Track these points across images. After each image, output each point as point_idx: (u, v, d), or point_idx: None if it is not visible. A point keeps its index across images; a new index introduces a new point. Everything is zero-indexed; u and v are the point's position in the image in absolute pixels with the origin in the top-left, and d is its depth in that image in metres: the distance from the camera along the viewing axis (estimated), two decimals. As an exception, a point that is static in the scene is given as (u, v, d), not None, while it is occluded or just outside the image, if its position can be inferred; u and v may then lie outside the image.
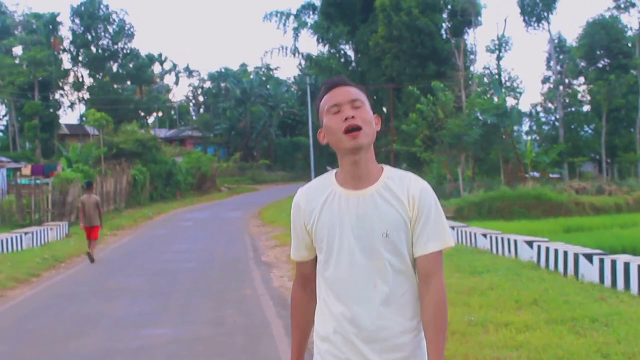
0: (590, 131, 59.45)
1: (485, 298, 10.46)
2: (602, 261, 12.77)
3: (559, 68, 58.66)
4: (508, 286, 11.50)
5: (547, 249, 15.02)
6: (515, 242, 17.04)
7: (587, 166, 59.92)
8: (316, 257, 3.10)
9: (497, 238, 18.19)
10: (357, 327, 2.90)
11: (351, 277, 2.93)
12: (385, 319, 2.91)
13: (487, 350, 7.30)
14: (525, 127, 61.35)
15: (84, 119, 70.73)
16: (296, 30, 64.71)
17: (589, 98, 58.44)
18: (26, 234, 21.78)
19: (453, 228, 21.70)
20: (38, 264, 17.41)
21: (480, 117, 36.84)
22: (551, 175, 46.89)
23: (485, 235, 19.13)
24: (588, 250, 14.07)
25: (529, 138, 60.31)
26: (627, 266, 11.98)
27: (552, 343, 7.48)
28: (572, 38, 61.43)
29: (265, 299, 11.89)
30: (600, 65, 57.69)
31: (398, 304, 2.93)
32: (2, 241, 19.75)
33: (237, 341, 8.78)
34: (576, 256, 13.66)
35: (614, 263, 12.39)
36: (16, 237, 20.80)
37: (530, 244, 16.29)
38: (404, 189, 2.97)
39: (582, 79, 60.43)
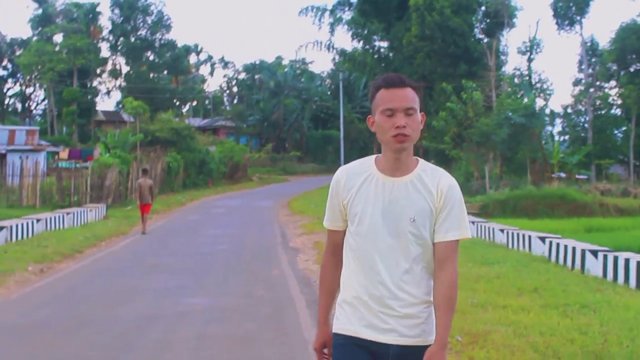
0: (619, 134, 59.79)
1: (490, 284, 11.47)
2: (605, 257, 13.73)
3: (590, 71, 59.00)
4: (513, 275, 12.49)
5: (558, 245, 15.97)
6: (530, 237, 18.00)
7: (616, 168, 60.20)
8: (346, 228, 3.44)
9: (512, 233, 19.15)
10: (378, 296, 3.24)
11: (377, 252, 3.26)
12: (403, 291, 3.24)
13: (481, 325, 8.33)
14: (558, 128, 61.87)
15: (121, 106, 72.29)
16: (332, 25, 65.28)
17: (619, 101, 58.78)
18: (67, 214, 23.09)
19: (473, 223, 22.70)
20: (80, 242, 18.62)
21: (509, 117, 37.47)
22: (578, 176, 47.38)
23: (502, 231, 20.08)
24: (595, 247, 15.00)
25: (561, 138, 60.84)
26: (627, 262, 12.92)
27: (540, 322, 8.49)
28: (604, 41, 61.51)
29: (291, 278, 13.06)
30: (631, 69, 57.92)
31: (414, 280, 3.27)
32: (47, 219, 20.99)
33: (264, 310, 9.97)
34: (583, 252, 14.62)
35: (615, 259, 13.32)
36: (59, 216, 22.06)
37: (542, 239, 17.24)
38: (435, 182, 3.30)
39: (613, 82, 60.70)
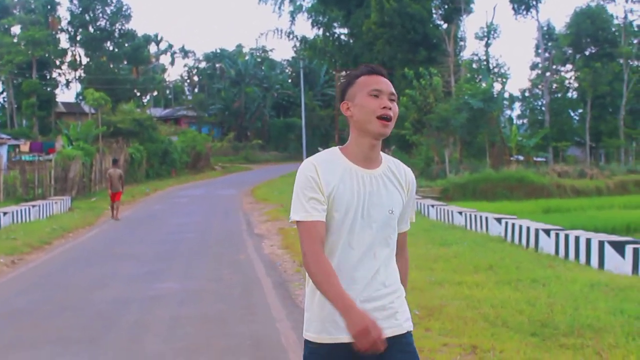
0: (576, 117, 60.93)
1: (447, 263, 12.08)
2: (557, 235, 14.41)
3: (546, 55, 60.02)
4: (470, 255, 13.12)
5: (513, 225, 16.65)
6: (486, 218, 18.68)
7: (574, 150, 61.36)
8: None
9: (470, 215, 19.82)
10: (356, 290, 3.17)
11: (356, 247, 3.21)
12: (379, 282, 3.23)
13: (437, 300, 8.90)
14: (517, 111, 62.88)
15: (81, 97, 71.98)
16: (292, 14, 65.53)
17: (575, 84, 59.90)
18: (33, 206, 23.37)
19: (433, 206, 23.39)
20: (48, 233, 18.95)
21: (468, 102, 38.09)
22: (537, 159, 48.30)
23: (460, 213, 20.74)
24: (548, 226, 15.69)
25: (520, 122, 61.82)
26: (577, 239, 13.60)
27: (492, 296, 9.08)
28: (559, 26, 62.52)
29: (257, 262, 13.59)
30: (587, 53, 59.03)
31: (388, 270, 3.29)
32: (13, 213, 21.26)
33: (233, 292, 10.50)
34: (537, 231, 15.31)
35: (567, 237, 14.00)
36: (24, 209, 22.33)
37: (499, 220, 17.92)
38: (402, 174, 3.37)
39: (569, 66, 61.80)
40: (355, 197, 3.21)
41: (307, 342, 3.29)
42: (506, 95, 53.58)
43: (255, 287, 10.86)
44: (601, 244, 12.75)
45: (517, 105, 63.60)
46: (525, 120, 63.02)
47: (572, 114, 61.03)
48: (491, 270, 11.42)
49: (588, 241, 13.19)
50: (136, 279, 11.92)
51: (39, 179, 30.90)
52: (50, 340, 7.85)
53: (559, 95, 59.72)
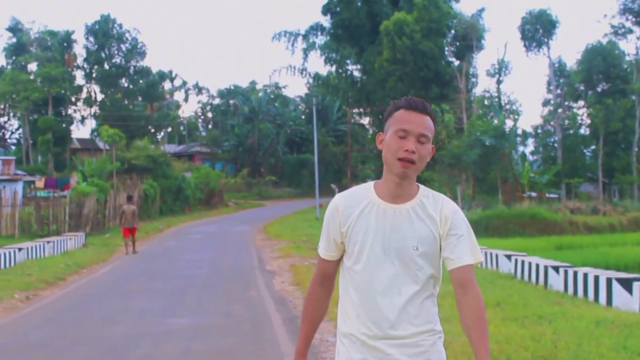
0: (588, 153, 61.02)
1: (456, 301, 12.17)
2: (566, 272, 14.53)
3: (558, 91, 60.30)
4: (478, 291, 13.20)
5: (523, 262, 16.80)
6: (497, 255, 18.82)
7: (588, 187, 61.38)
8: (341, 258, 3.34)
9: (481, 252, 19.90)
10: (378, 326, 3.13)
11: (378, 282, 3.15)
12: (404, 321, 3.12)
13: (445, 336, 9.00)
14: (530, 148, 63.03)
15: (96, 133, 72.70)
16: (305, 51, 66.06)
17: (587, 121, 60.08)
18: (48, 242, 23.61)
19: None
20: (62, 269, 19.17)
21: (480, 138, 38.30)
22: (549, 195, 48.38)
23: (471, 250, 20.82)
24: (557, 263, 15.82)
25: (534, 158, 61.95)
26: (585, 276, 13.70)
27: (498, 332, 9.19)
28: (571, 62, 62.87)
29: (267, 298, 13.74)
30: (599, 89, 59.26)
31: (416, 308, 3.16)
32: (28, 248, 21.53)
33: (243, 327, 10.65)
34: (546, 268, 15.43)
35: (575, 274, 14.12)
36: (39, 245, 22.60)
37: (509, 257, 18.05)
38: (437, 208, 3.21)
39: (581, 102, 62.03)
40: (373, 231, 3.18)
41: None
42: (519, 131, 53.98)
43: (265, 323, 11.01)
44: (609, 281, 12.86)
45: (530, 141, 63.87)
46: (538, 157, 63.19)
47: (584, 150, 61.11)
48: (499, 307, 11.52)
49: (596, 278, 13.30)
50: (148, 314, 12.10)
51: (53, 215, 31.21)
52: (62, 374, 8.01)
53: (571, 131, 59.86)
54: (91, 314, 12.39)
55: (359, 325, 3.18)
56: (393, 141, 3.16)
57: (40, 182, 56.88)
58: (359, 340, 3.17)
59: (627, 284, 12.47)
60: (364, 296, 3.18)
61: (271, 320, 11.15)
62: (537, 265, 15.85)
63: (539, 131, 63.54)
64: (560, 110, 58.20)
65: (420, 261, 3.16)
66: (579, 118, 61.16)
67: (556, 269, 15.04)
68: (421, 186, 3.28)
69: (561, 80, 62.01)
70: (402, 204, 3.20)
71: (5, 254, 19.38)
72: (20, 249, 20.84)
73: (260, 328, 10.61)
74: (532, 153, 64.49)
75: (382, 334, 3.13)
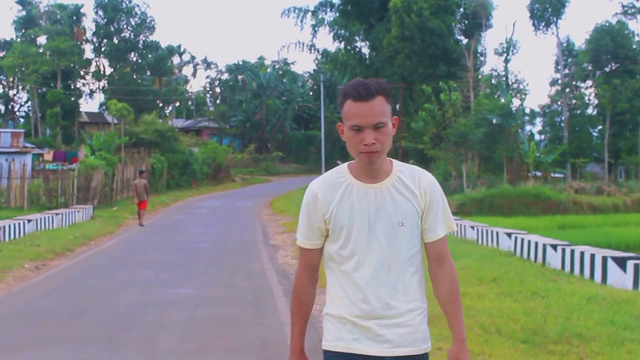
0: (595, 133, 61.02)
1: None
2: (563, 250, 14.80)
3: (566, 71, 60.24)
4: (476, 267, 13.54)
5: (522, 240, 17.05)
6: (497, 233, 19.08)
7: (594, 167, 61.45)
8: (323, 247, 3.31)
9: (482, 230, 20.23)
10: (369, 308, 3.13)
11: (367, 262, 3.14)
12: (395, 299, 3.14)
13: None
14: (539, 127, 63.05)
15: (104, 107, 73.00)
16: (314, 27, 66.05)
17: (595, 101, 60.04)
18: (56, 214, 23.99)
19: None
20: (70, 241, 19.56)
21: (486, 117, 38.42)
22: (555, 175, 48.49)
23: (472, 227, 21.16)
24: (555, 241, 16.09)
25: (542, 137, 62.01)
26: (582, 254, 13.99)
27: (491, 306, 9.51)
28: (579, 42, 62.70)
29: (270, 271, 14.12)
30: (607, 70, 59.16)
31: (406, 286, 3.17)
32: (37, 220, 21.89)
33: (245, 298, 11.03)
34: (544, 246, 15.71)
35: (572, 252, 14.40)
36: (47, 217, 22.96)
37: (509, 235, 18.31)
38: (415, 181, 3.22)
39: (589, 82, 61.95)
40: (358, 213, 3.16)
41: (324, 352, 3.28)
42: (527, 110, 54.06)
43: (267, 294, 11.38)
44: (604, 260, 13.13)
45: (538, 120, 63.88)
46: (546, 136, 63.22)
47: (591, 130, 61.11)
48: (495, 283, 11.83)
49: (592, 257, 13.57)
50: (154, 285, 12.47)
51: (62, 187, 31.55)
52: (71, 338, 8.40)
53: (579, 111, 59.84)
54: (99, 283, 12.77)
55: (349, 306, 3.18)
56: (350, 136, 3.15)
57: (48, 155, 57.24)
58: (349, 321, 3.17)
59: (621, 263, 12.74)
60: (354, 278, 3.16)
61: (273, 292, 11.52)
62: (536, 244, 16.11)
63: (546, 110, 63.49)
64: (567, 90, 58.15)
65: (407, 236, 3.18)
66: (586, 98, 61.10)
67: (554, 247, 15.30)
68: (394, 161, 3.28)
69: (569, 60, 61.92)
70: (380, 183, 3.20)
71: (15, 225, 19.75)
72: (29, 221, 21.21)
73: (261, 299, 10.99)
74: (540, 132, 64.56)
75: (373, 314, 3.14)
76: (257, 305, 10.48)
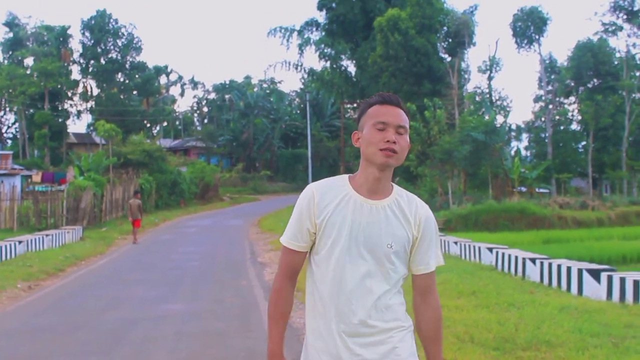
0: (580, 148, 61.66)
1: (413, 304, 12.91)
2: (542, 263, 15.29)
3: (549, 87, 60.97)
4: (456, 281, 14.00)
5: (503, 254, 17.54)
6: (479, 248, 19.56)
7: (579, 182, 62.03)
8: (307, 251, 3.27)
9: (465, 245, 20.71)
10: (347, 324, 3.09)
11: (349, 278, 3.11)
12: (374, 319, 3.10)
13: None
14: (524, 143, 63.68)
15: (92, 128, 73.30)
16: (300, 47, 66.60)
17: (578, 117, 60.73)
18: (46, 235, 24.31)
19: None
20: (61, 261, 19.92)
21: (470, 134, 38.92)
22: (540, 190, 49.02)
23: (456, 243, 21.64)
24: (534, 255, 16.57)
25: (528, 153, 62.61)
26: (559, 267, 14.47)
27: (467, 317, 9.97)
28: (562, 58, 63.45)
29: (257, 288, 14.59)
30: (589, 86, 59.92)
31: (385, 306, 3.13)
32: (28, 241, 22.25)
33: (233, 312, 11.51)
34: (524, 260, 16.20)
35: (550, 265, 14.89)
36: (38, 238, 23.31)
37: (490, 249, 18.81)
38: (412, 210, 3.20)
39: (572, 98, 62.69)
40: (349, 224, 3.13)
41: None
42: (513, 127, 54.71)
43: (253, 309, 11.84)
44: (580, 272, 13.63)
45: (524, 137, 64.52)
46: (532, 152, 63.82)
47: (575, 146, 61.75)
48: (473, 296, 12.29)
49: (568, 269, 14.06)
50: (145, 302, 12.90)
51: (51, 209, 31.86)
52: (66, 353, 8.83)
53: (562, 127, 60.50)
54: (91, 301, 13.17)
55: (327, 321, 3.13)
56: (373, 134, 3.16)
57: (37, 176, 57.40)
58: (332, 335, 3.12)
59: (596, 275, 13.24)
60: (334, 293, 3.13)
61: (259, 307, 11.96)
62: (516, 258, 16.60)
63: (531, 127, 64.16)
64: (551, 106, 58.83)
65: (393, 259, 3.14)
66: (569, 114, 61.79)
67: (533, 260, 15.80)
68: (395, 185, 3.27)
69: (552, 77, 62.66)
70: (378, 200, 3.18)
71: (6, 246, 20.09)
72: (20, 242, 21.56)
73: (248, 313, 11.45)
74: (526, 148, 65.17)
75: (351, 331, 3.10)
76: (244, 318, 10.95)
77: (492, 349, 8.02)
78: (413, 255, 3.21)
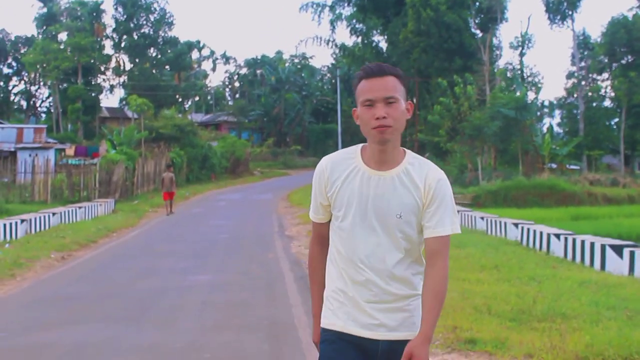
0: (613, 125, 61.17)
1: (457, 263, 13.12)
2: (566, 239, 15.40)
3: (582, 64, 60.46)
4: (480, 255, 14.17)
5: (528, 230, 17.66)
6: (505, 223, 19.68)
7: (612, 159, 61.64)
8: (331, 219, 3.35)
9: (491, 220, 20.83)
10: (365, 292, 3.17)
11: (362, 248, 3.16)
12: (390, 286, 3.15)
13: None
14: (557, 119, 63.31)
15: (124, 102, 73.95)
16: (332, 22, 66.56)
17: (611, 93, 60.21)
18: (79, 208, 24.85)
19: (458, 212, 24.37)
20: (94, 233, 20.35)
21: (500, 110, 38.87)
22: (571, 167, 48.83)
23: (482, 218, 21.77)
24: (559, 231, 16.68)
25: (561, 130, 62.27)
26: (582, 243, 14.59)
27: (488, 290, 10.16)
28: (595, 35, 62.83)
29: (283, 260, 14.89)
30: (623, 62, 59.31)
31: (401, 275, 3.17)
32: (61, 213, 22.75)
33: (258, 283, 11.81)
34: (548, 235, 16.32)
35: (574, 241, 15.00)
36: (71, 211, 23.82)
37: (516, 225, 18.92)
38: (422, 176, 3.18)
39: (605, 75, 62.12)
40: (357, 197, 3.17)
41: (321, 329, 3.35)
42: (546, 103, 54.42)
43: (278, 280, 12.15)
44: (602, 247, 13.74)
45: (557, 113, 64.15)
46: (564, 129, 63.42)
47: (608, 122, 61.24)
48: (495, 269, 12.46)
49: (592, 245, 14.17)
50: (173, 272, 13.27)
51: (84, 182, 32.42)
52: (97, 319, 9.22)
53: (595, 104, 60.02)
54: (121, 272, 13.56)
55: (345, 287, 3.22)
56: (362, 113, 3.18)
57: (70, 150, 58.07)
58: (350, 299, 3.21)
59: (618, 250, 13.35)
60: (349, 262, 3.20)
61: (284, 278, 12.28)
62: (541, 233, 16.72)
63: (562, 103, 63.74)
64: (584, 82, 58.37)
65: (404, 229, 3.16)
66: (602, 91, 61.26)
67: (557, 236, 15.92)
68: (408, 152, 3.26)
69: (585, 53, 62.10)
70: (387, 171, 3.19)
71: (40, 217, 20.59)
72: (54, 214, 22.07)
73: (273, 284, 11.77)
74: (558, 125, 64.77)
75: (368, 298, 3.17)
76: (268, 289, 11.26)
77: (509, 319, 8.21)
78: (423, 219, 3.20)
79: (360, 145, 3.33)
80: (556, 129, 60.40)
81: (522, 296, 9.59)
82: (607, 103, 61.26)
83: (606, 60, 60.22)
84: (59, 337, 8.24)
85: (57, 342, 8.01)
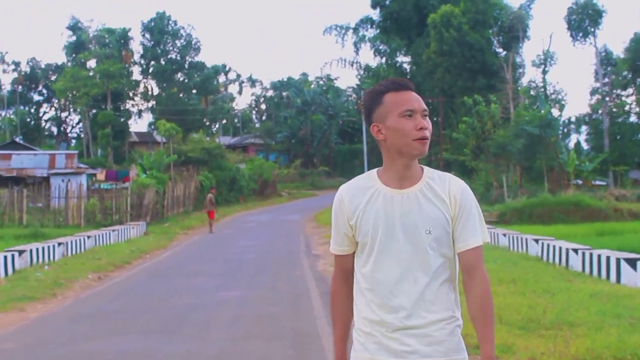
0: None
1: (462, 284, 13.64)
2: (583, 254, 15.89)
3: (606, 80, 60.68)
4: (498, 270, 14.70)
5: (548, 245, 18.14)
6: (526, 239, 20.16)
7: (637, 174, 61.59)
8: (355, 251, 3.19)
9: (513, 237, 21.33)
10: (395, 317, 2.99)
11: (392, 271, 3.02)
12: (422, 309, 2.99)
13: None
14: (584, 135, 63.48)
15: (153, 127, 75.13)
16: (356, 44, 67.33)
17: (637, 109, 60.34)
18: (113, 231, 25.70)
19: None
20: (127, 254, 21.14)
21: (524, 128, 39.26)
22: (597, 183, 48.94)
23: (504, 235, 22.26)
24: (577, 246, 17.14)
25: (587, 146, 62.38)
26: (599, 257, 15.07)
27: (502, 301, 10.69)
28: (618, 50, 63.01)
29: (309, 277, 15.61)
30: (647, 78, 59.49)
31: (434, 295, 3.02)
32: (95, 236, 23.59)
33: (285, 298, 12.55)
34: (567, 250, 16.80)
35: (591, 255, 15.48)
36: (105, 234, 24.66)
37: (537, 241, 19.39)
38: (445, 188, 3.06)
39: (629, 90, 62.27)
40: (383, 218, 3.04)
41: None
42: (572, 119, 54.64)
43: (304, 295, 12.86)
44: (618, 261, 14.21)
45: (583, 129, 64.30)
46: (589, 145, 63.52)
47: (634, 137, 61.27)
48: (512, 283, 12.98)
49: (607, 258, 14.65)
50: (204, 290, 14.00)
51: (116, 206, 33.28)
52: (135, 331, 9.97)
53: (620, 119, 60.15)
54: (156, 290, 14.30)
55: (373, 316, 3.06)
56: (402, 124, 3.04)
57: (101, 175, 59.12)
58: (379, 327, 3.04)
59: (632, 263, 13.83)
60: (378, 288, 3.05)
61: (310, 294, 12.98)
62: (560, 248, 17.20)
63: (587, 120, 63.93)
64: (608, 98, 58.57)
65: (434, 245, 3.02)
66: (627, 106, 61.40)
67: (576, 251, 16.39)
68: (425, 167, 3.15)
69: (608, 69, 62.34)
70: (408, 188, 3.07)
71: (76, 240, 21.44)
72: (89, 237, 22.91)
73: (299, 299, 12.48)
74: (586, 141, 64.93)
75: (399, 325, 3.00)
76: (295, 304, 11.97)
77: (518, 328, 8.77)
78: (453, 233, 3.05)
79: (375, 170, 3.21)
80: (583, 145, 60.65)
81: (533, 307, 10.12)
82: (633, 118, 61.39)
83: (630, 76, 60.42)
84: (102, 347, 8.98)
85: (101, 350, 8.76)
